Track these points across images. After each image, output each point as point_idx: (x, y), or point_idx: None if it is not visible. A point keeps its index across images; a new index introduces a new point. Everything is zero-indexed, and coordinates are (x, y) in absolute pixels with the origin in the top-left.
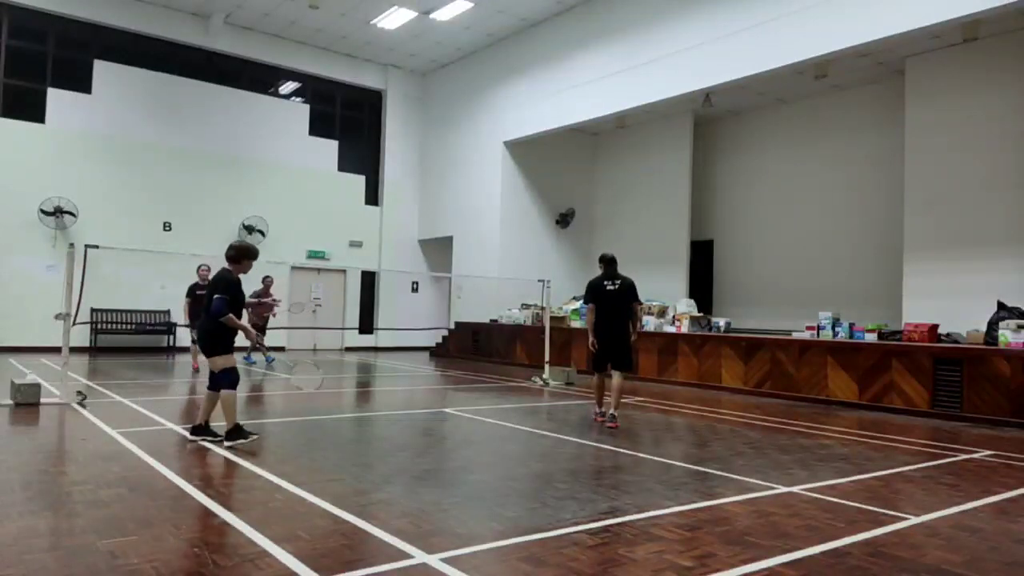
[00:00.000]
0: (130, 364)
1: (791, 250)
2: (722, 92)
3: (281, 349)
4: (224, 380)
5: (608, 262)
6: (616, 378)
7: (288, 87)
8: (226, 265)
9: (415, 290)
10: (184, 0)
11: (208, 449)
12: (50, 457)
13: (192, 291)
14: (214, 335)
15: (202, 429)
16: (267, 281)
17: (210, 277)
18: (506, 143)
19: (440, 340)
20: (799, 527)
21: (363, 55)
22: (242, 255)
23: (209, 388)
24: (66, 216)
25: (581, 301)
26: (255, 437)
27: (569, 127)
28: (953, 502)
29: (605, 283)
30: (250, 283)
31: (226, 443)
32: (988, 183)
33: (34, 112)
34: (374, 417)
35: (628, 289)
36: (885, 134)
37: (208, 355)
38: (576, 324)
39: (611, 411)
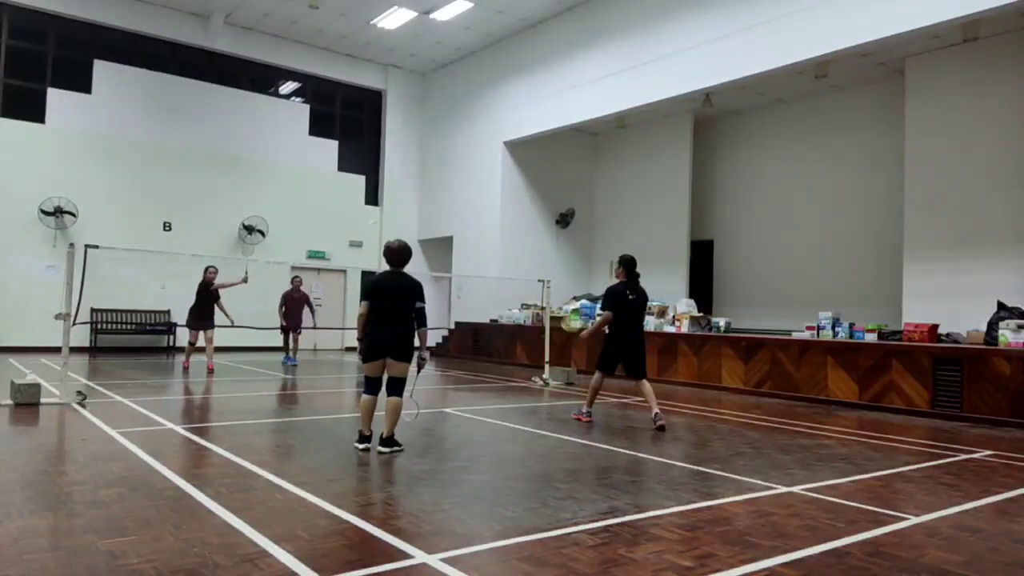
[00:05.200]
0: (130, 364)
1: (791, 250)
2: (722, 92)
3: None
4: (403, 388)
5: (631, 266)
6: (645, 385)
7: (288, 87)
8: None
9: None
10: (184, 0)
11: (208, 449)
12: (50, 457)
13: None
14: (410, 342)
15: (392, 441)
16: (296, 282)
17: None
18: (506, 143)
19: (440, 340)
20: (799, 527)
21: (363, 55)
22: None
23: (394, 395)
24: (66, 216)
25: (599, 306)
26: (362, 448)
27: (569, 127)
28: (953, 502)
29: (628, 292)
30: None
31: (385, 449)
32: (988, 183)
33: (34, 112)
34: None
35: (646, 300)
36: (885, 134)
37: (403, 360)
38: (576, 324)
39: (655, 411)
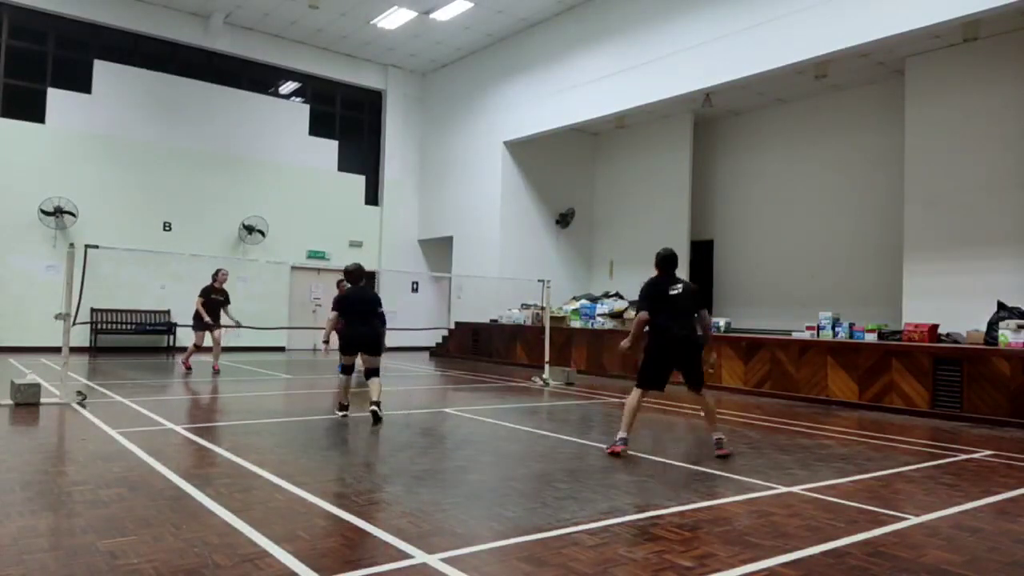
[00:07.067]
0: (130, 364)
1: (791, 250)
2: (722, 92)
3: (281, 349)
4: (379, 371)
5: (670, 262)
6: (706, 397)
7: (288, 87)
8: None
9: (415, 290)
10: (184, 0)
11: (208, 449)
12: (50, 457)
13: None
14: (378, 340)
15: (379, 403)
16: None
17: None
18: (506, 143)
19: (440, 340)
20: (799, 527)
21: (363, 55)
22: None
23: (374, 378)
24: (66, 216)
25: (634, 308)
26: (342, 415)
27: (569, 127)
28: (953, 502)
29: (669, 287)
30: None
31: (380, 412)
32: (988, 183)
33: (34, 112)
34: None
35: (693, 293)
36: (885, 134)
37: (374, 354)
38: (576, 324)
39: (717, 435)
